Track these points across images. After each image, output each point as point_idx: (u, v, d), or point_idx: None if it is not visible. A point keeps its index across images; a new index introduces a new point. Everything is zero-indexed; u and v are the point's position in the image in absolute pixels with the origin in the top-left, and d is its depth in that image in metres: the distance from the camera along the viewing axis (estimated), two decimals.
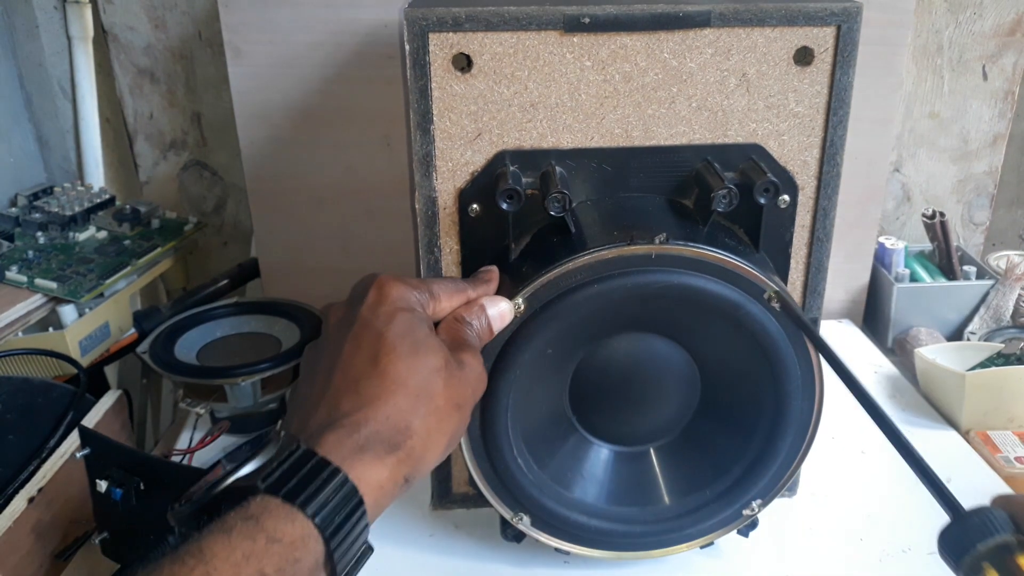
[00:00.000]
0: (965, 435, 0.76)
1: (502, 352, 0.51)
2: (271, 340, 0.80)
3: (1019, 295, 0.90)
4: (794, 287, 0.60)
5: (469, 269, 0.57)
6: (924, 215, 0.96)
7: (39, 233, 0.91)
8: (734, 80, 0.54)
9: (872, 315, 0.98)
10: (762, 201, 0.52)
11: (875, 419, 0.41)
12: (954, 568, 0.35)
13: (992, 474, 0.70)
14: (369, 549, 0.41)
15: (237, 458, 0.39)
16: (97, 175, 1.02)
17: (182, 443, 0.74)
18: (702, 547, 0.60)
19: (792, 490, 0.67)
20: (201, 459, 0.72)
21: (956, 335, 0.92)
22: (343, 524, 0.37)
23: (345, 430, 0.40)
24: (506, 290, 0.51)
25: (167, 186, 1.06)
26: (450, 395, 0.44)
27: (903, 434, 0.40)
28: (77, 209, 0.93)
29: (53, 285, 0.81)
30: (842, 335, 0.95)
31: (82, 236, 0.91)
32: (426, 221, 0.56)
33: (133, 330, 0.87)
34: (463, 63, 0.52)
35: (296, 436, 0.40)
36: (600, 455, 0.58)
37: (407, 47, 0.51)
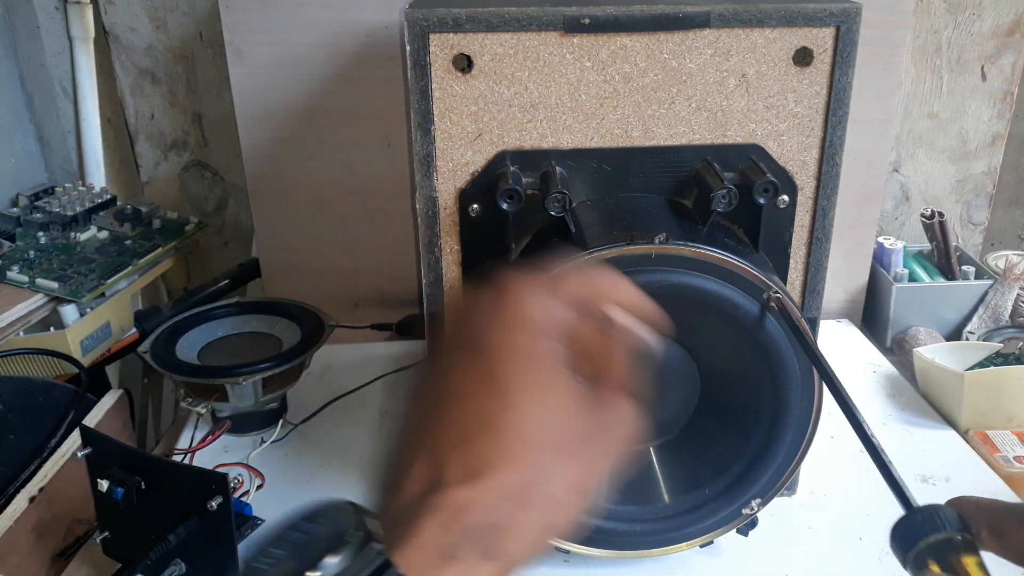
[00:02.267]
0: (964, 435, 0.76)
1: None
2: (272, 340, 0.80)
3: (1017, 295, 0.90)
4: (793, 287, 0.60)
5: (470, 269, 0.58)
6: (923, 215, 0.96)
7: (40, 233, 0.91)
8: (733, 80, 0.54)
9: (871, 315, 0.98)
10: (761, 201, 0.53)
11: (844, 411, 0.42)
12: (901, 561, 0.36)
13: (991, 473, 0.70)
14: None
15: (307, 551, 0.33)
16: (98, 175, 1.02)
17: (183, 442, 0.74)
18: (702, 546, 0.60)
19: (791, 489, 0.68)
20: (202, 458, 0.72)
21: (955, 335, 0.93)
22: None
23: (439, 521, 0.31)
24: None
25: (168, 186, 1.06)
26: (579, 475, 0.34)
27: (869, 427, 0.41)
28: (78, 209, 0.93)
29: (54, 285, 0.82)
30: (841, 335, 0.95)
31: (83, 236, 0.91)
32: (427, 221, 0.56)
33: (134, 330, 0.87)
34: (464, 64, 0.53)
35: (379, 536, 0.33)
36: None
37: (408, 48, 0.51)
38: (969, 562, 0.34)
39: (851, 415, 0.41)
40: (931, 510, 0.36)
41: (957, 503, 0.37)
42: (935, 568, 0.34)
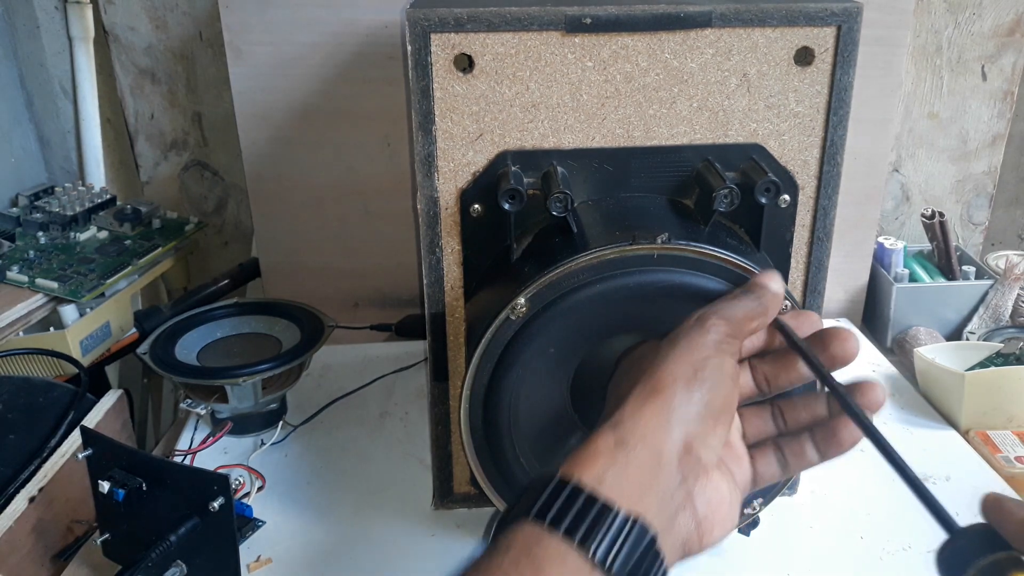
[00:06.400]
0: (965, 435, 0.76)
1: (504, 351, 0.51)
2: (272, 340, 0.80)
3: (1018, 295, 0.90)
4: (794, 286, 0.60)
5: (471, 269, 0.58)
6: (923, 215, 0.96)
7: (40, 233, 0.91)
8: (735, 80, 0.54)
9: (871, 315, 0.98)
10: (763, 201, 0.53)
11: (867, 433, 0.42)
12: None
13: (992, 474, 0.70)
14: None
15: None
16: (98, 175, 1.02)
17: (183, 443, 0.74)
18: None
19: (793, 489, 0.68)
20: (202, 460, 0.72)
21: (955, 335, 0.93)
22: None
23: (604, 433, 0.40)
24: (508, 290, 0.52)
25: (168, 186, 1.06)
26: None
27: (896, 451, 0.40)
28: (78, 209, 0.93)
29: (54, 285, 0.81)
30: None
31: (83, 236, 0.91)
32: (428, 221, 0.56)
33: (134, 330, 0.87)
34: (465, 63, 0.52)
35: None
36: None
37: (409, 48, 0.51)
38: None
39: (874, 438, 0.41)
40: (973, 532, 0.36)
41: (995, 505, 0.36)
42: None
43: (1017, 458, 0.72)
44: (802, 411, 0.46)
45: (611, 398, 0.45)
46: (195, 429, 0.76)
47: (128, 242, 0.92)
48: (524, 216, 0.54)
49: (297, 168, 0.91)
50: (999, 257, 0.98)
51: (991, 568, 0.35)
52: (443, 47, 0.52)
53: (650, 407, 0.39)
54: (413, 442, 0.76)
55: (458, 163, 0.55)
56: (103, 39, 0.98)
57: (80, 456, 0.58)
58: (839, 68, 0.54)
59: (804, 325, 0.46)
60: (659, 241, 0.49)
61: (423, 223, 0.56)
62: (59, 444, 0.68)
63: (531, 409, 0.54)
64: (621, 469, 0.37)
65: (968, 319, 0.92)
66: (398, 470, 0.72)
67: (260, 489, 0.70)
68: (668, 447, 0.39)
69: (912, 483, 0.39)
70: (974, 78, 1.02)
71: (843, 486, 0.69)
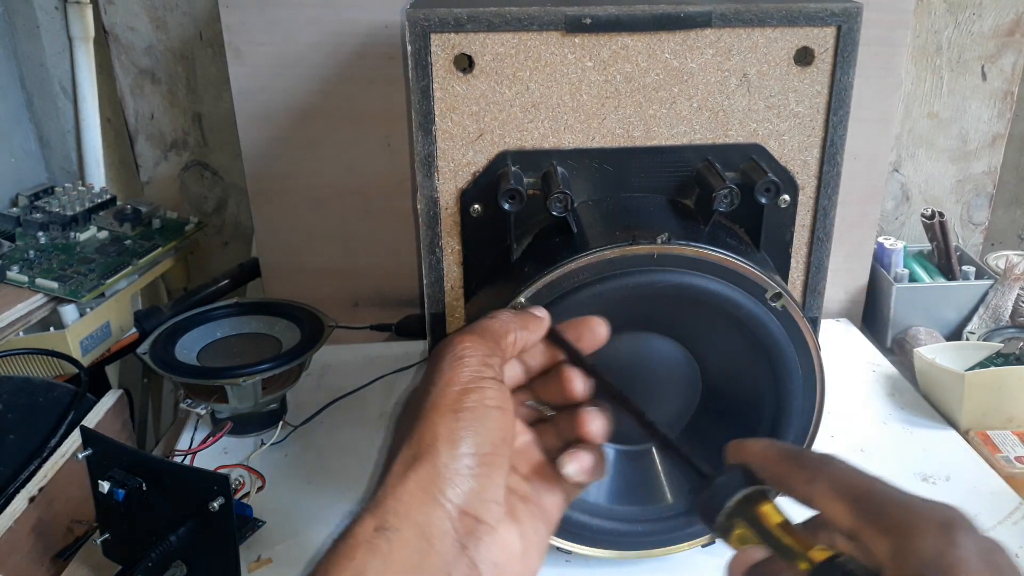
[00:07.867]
0: (964, 435, 0.76)
1: None
2: (272, 340, 0.80)
3: (1018, 295, 0.90)
4: (794, 286, 0.60)
5: (471, 269, 0.58)
6: (923, 215, 0.96)
7: (40, 233, 0.91)
8: (735, 80, 0.54)
9: (871, 315, 0.98)
10: (763, 201, 0.53)
11: (613, 398, 0.42)
12: (710, 530, 0.37)
13: (992, 473, 0.70)
14: None
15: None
16: (98, 175, 1.02)
17: (183, 443, 0.74)
18: (704, 546, 0.60)
19: None
20: (202, 460, 0.72)
21: (955, 335, 0.93)
22: None
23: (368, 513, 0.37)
24: (508, 291, 0.52)
25: (168, 186, 1.06)
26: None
27: (639, 406, 0.42)
28: (78, 209, 0.93)
29: (54, 285, 0.81)
30: (841, 335, 0.95)
31: (83, 236, 0.91)
32: (428, 221, 0.56)
33: (134, 330, 0.87)
34: (465, 64, 0.53)
35: None
36: None
37: (409, 48, 0.51)
38: (767, 510, 0.36)
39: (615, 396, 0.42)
40: (725, 475, 0.37)
41: (737, 450, 0.38)
42: (741, 526, 0.36)
43: (1017, 458, 0.72)
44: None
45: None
46: (195, 429, 0.76)
47: (128, 242, 0.92)
48: (524, 216, 0.54)
49: (297, 168, 0.91)
50: (999, 257, 0.98)
51: (741, 504, 0.36)
52: (443, 47, 0.52)
53: (413, 478, 0.35)
54: None
55: (458, 163, 0.55)
56: (103, 39, 0.98)
57: (80, 456, 0.58)
58: (839, 68, 0.54)
59: (582, 331, 0.43)
60: (659, 241, 0.49)
61: (423, 223, 0.56)
62: (59, 444, 0.68)
63: None
64: (383, 560, 0.33)
65: (968, 319, 0.92)
66: None
67: (260, 489, 0.70)
68: (438, 521, 0.34)
69: (661, 439, 0.41)
70: (974, 78, 1.02)
71: None
